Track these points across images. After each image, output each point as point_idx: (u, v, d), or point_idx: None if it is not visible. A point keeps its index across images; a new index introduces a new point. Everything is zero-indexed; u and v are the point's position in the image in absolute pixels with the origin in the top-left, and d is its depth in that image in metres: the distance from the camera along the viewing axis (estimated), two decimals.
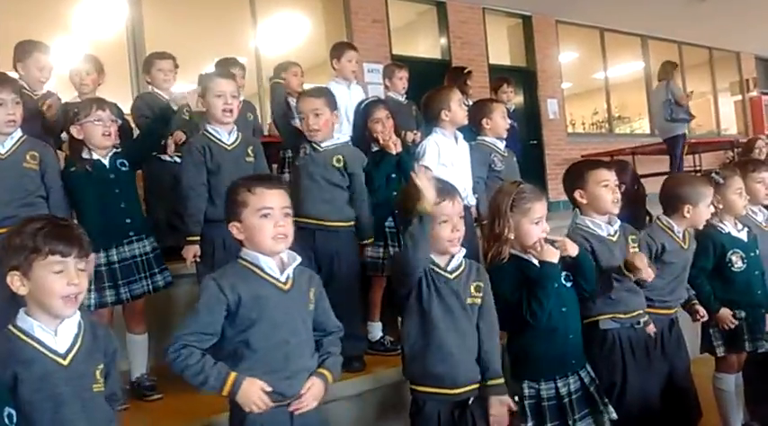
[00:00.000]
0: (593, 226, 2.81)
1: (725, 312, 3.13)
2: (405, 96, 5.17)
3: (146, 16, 6.83)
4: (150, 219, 3.67)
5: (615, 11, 10.19)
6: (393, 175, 3.46)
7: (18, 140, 2.92)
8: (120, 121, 3.12)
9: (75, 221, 2.63)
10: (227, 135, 3.16)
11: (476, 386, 2.40)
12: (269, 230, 2.06)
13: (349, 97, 4.60)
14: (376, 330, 3.51)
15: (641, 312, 2.85)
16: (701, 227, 3.08)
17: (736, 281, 3.16)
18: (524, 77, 10.12)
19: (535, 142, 9.98)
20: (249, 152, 3.20)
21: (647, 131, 12.15)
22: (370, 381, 3.07)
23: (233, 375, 1.96)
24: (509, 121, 4.12)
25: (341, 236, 3.23)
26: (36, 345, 1.75)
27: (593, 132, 11.92)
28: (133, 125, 4.47)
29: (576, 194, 2.84)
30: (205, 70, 4.05)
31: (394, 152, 3.40)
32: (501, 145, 3.96)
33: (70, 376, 1.76)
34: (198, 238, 3.04)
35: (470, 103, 4.52)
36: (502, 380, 2.42)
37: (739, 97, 13.70)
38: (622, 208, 2.91)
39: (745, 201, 3.22)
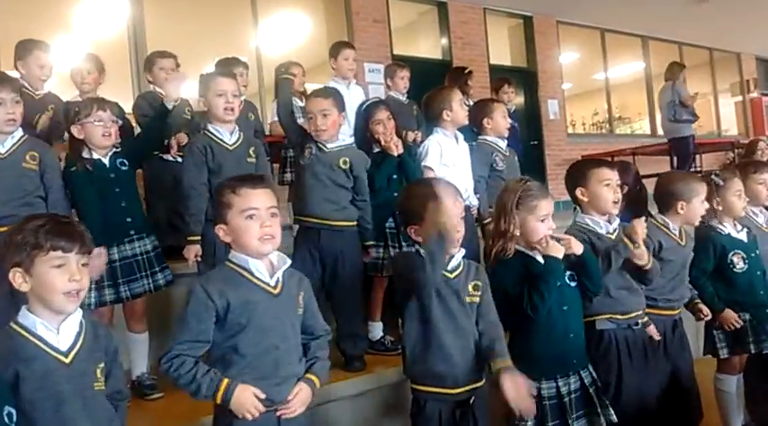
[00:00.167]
0: (592, 224, 2.82)
1: (729, 312, 3.13)
2: (406, 96, 5.18)
3: (147, 15, 6.83)
4: (151, 219, 3.67)
5: (616, 11, 10.20)
6: (394, 176, 3.47)
7: (19, 140, 2.92)
8: (120, 121, 3.10)
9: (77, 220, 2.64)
10: (228, 135, 3.16)
11: (477, 385, 2.40)
12: (255, 231, 2.02)
13: (348, 96, 4.58)
14: (377, 330, 3.51)
15: (639, 313, 2.85)
16: (696, 224, 3.09)
17: (738, 282, 3.17)
18: (525, 78, 10.12)
19: (536, 142, 9.98)
20: (251, 153, 3.20)
21: (648, 132, 12.17)
22: (370, 381, 3.07)
23: (225, 382, 1.95)
24: (510, 121, 4.12)
25: (345, 236, 3.24)
26: (38, 343, 1.75)
27: (594, 133, 11.92)
28: (134, 124, 4.49)
29: (578, 192, 2.84)
30: (206, 70, 4.05)
31: (395, 153, 3.41)
32: (503, 144, 3.96)
33: (72, 374, 1.77)
34: (199, 238, 3.04)
35: (471, 104, 4.52)
36: (509, 361, 2.36)
37: (740, 98, 13.69)
38: (624, 208, 2.92)
39: (744, 203, 3.23)
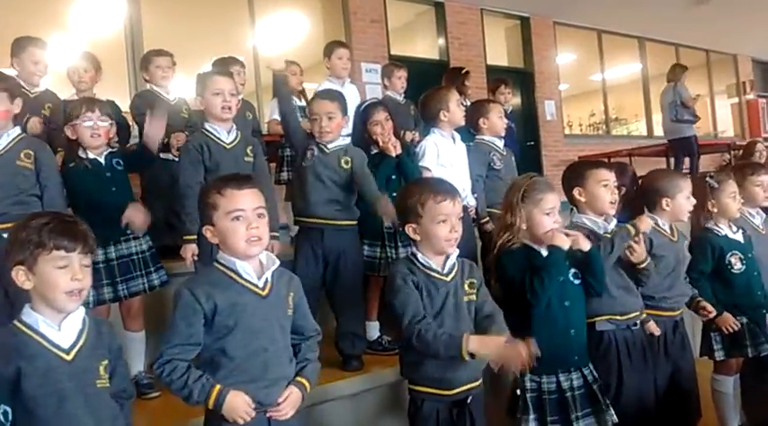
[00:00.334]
0: (590, 223, 2.83)
1: (727, 315, 3.13)
2: (403, 96, 5.18)
3: (144, 14, 6.82)
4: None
5: (613, 13, 10.21)
6: (393, 177, 3.46)
7: (14, 138, 2.90)
8: (110, 121, 3.07)
9: None
10: (226, 133, 3.15)
11: (474, 384, 2.41)
12: (241, 233, 2.00)
13: None
14: (373, 329, 3.51)
15: (638, 313, 2.86)
16: (684, 219, 3.10)
17: (736, 283, 3.18)
18: (522, 78, 10.13)
19: (532, 143, 9.99)
20: (248, 152, 3.20)
21: (644, 133, 12.20)
22: (368, 380, 3.07)
23: (217, 388, 1.93)
24: (506, 122, 4.13)
25: (347, 235, 3.25)
26: (40, 340, 1.75)
27: (590, 133, 11.93)
28: (132, 123, 4.49)
29: (575, 192, 2.85)
30: (203, 69, 4.05)
31: (393, 154, 3.41)
32: (500, 144, 3.96)
33: (74, 371, 1.77)
34: (195, 237, 3.02)
35: (468, 104, 4.52)
36: (506, 335, 2.32)
37: (736, 100, 13.72)
38: (622, 209, 2.93)
39: (738, 204, 3.24)
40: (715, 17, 10.47)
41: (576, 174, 2.89)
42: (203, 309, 1.95)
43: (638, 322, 2.85)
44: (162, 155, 4.18)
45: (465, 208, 3.21)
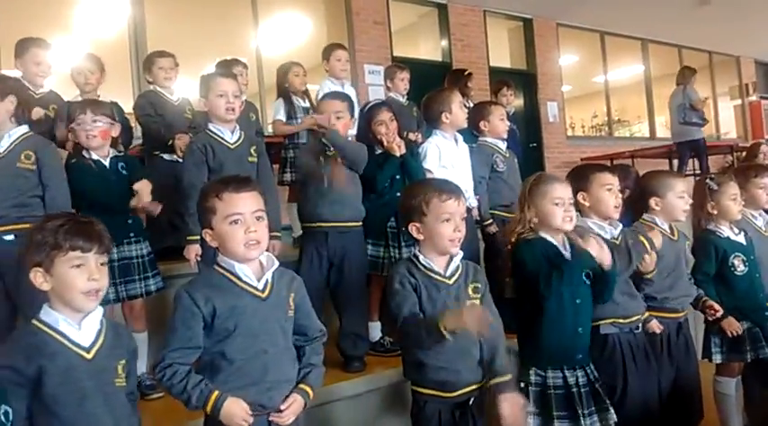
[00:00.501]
0: (596, 228, 2.83)
1: (732, 319, 3.12)
2: (406, 97, 5.19)
3: (148, 15, 6.84)
4: (152, 219, 3.66)
5: (616, 14, 10.21)
6: (397, 177, 3.46)
7: (17, 139, 2.88)
8: (109, 122, 3.07)
9: None
10: (229, 133, 3.15)
11: (476, 386, 2.40)
12: (240, 237, 1.99)
13: None
14: (375, 330, 3.50)
15: (640, 316, 2.88)
16: (680, 219, 3.10)
17: (739, 285, 3.18)
18: (525, 80, 10.13)
19: (535, 145, 9.99)
20: (252, 152, 3.20)
21: (647, 135, 12.19)
22: (370, 381, 3.07)
23: (215, 394, 1.93)
24: (509, 124, 4.12)
25: (352, 236, 3.25)
26: (61, 338, 1.77)
27: (593, 135, 11.93)
28: (134, 124, 4.50)
29: (579, 196, 2.85)
30: (206, 70, 4.06)
31: (398, 154, 3.41)
32: (503, 145, 3.95)
33: (94, 370, 1.79)
34: (199, 237, 3.02)
35: (471, 106, 4.52)
36: (509, 376, 2.40)
37: (739, 101, 13.71)
38: (625, 212, 2.94)
39: (739, 207, 3.23)
40: (718, 19, 10.46)
41: (579, 178, 2.89)
42: (202, 313, 1.96)
43: (640, 325, 2.86)
44: (166, 157, 4.21)
45: (468, 210, 3.22)
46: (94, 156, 3.02)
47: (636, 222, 3.12)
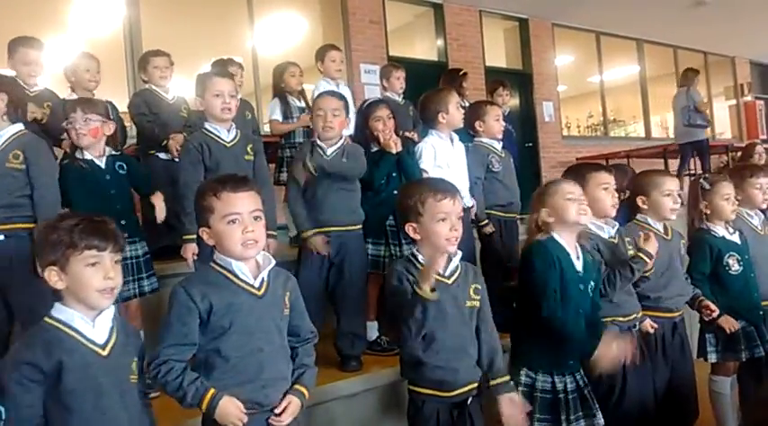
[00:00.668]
0: (595, 228, 2.84)
1: (728, 317, 3.13)
2: (402, 96, 5.19)
3: (143, 15, 6.81)
4: (148, 218, 3.66)
5: (611, 15, 10.22)
6: (393, 174, 3.47)
7: (9, 138, 2.84)
8: (101, 120, 3.05)
9: None
10: (226, 132, 3.15)
11: (474, 385, 2.41)
12: (237, 237, 1.99)
13: None
14: (372, 330, 3.50)
15: (637, 315, 2.90)
16: (669, 217, 3.09)
17: (734, 284, 3.19)
18: (520, 80, 10.13)
19: (530, 145, 10.00)
20: (248, 150, 3.20)
21: (642, 135, 12.22)
22: (367, 381, 3.06)
23: (210, 392, 1.93)
24: (504, 124, 4.12)
25: (352, 237, 3.24)
26: (76, 336, 1.78)
27: (588, 135, 11.93)
28: (129, 123, 4.48)
29: None
30: (202, 69, 4.05)
31: (394, 151, 3.41)
32: (498, 146, 3.95)
33: (109, 367, 1.81)
34: (195, 236, 3.01)
35: (466, 105, 4.52)
36: (508, 377, 2.43)
37: (734, 102, 13.74)
38: (622, 212, 2.95)
39: (733, 206, 3.24)
40: (713, 19, 10.49)
41: (575, 177, 2.88)
42: (198, 309, 1.95)
43: (637, 323, 2.87)
44: (161, 156, 4.20)
45: (464, 210, 3.22)
46: (87, 156, 3.00)
47: (629, 222, 3.12)
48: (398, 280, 2.35)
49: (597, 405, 2.63)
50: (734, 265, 3.18)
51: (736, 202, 3.27)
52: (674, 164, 8.97)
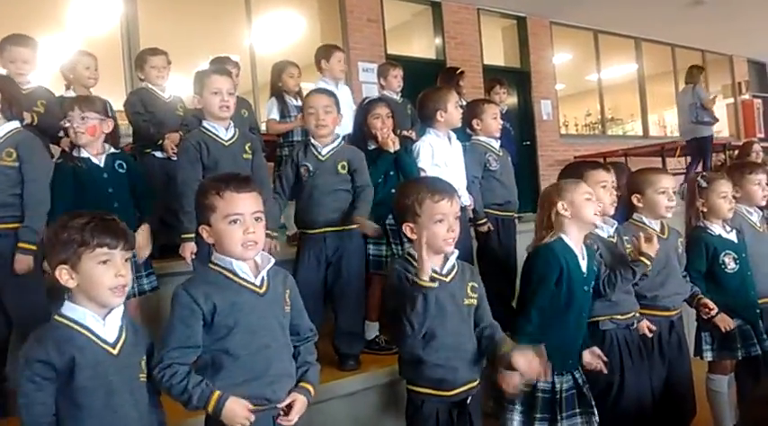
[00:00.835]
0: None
1: (724, 315, 3.13)
2: (400, 95, 5.19)
3: (140, 13, 6.80)
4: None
5: (609, 13, 10.22)
6: (391, 173, 3.47)
7: (3, 136, 2.84)
8: (99, 117, 3.03)
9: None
10: (224, 130, 3.15)
11: (473, 384, 2.41)
12: (238, 237, 1.99)
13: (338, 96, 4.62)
14: (372, 330, 3.50)
15: (635, 313, 2.90)
16: (665, 215, 3.09)
17: (730, 283, 3.19)
18: (518, 78, 10.13)
19: (528, 143, 10.00)
20: (247, 149, 3.19)
21: (640, 133, 12.22)
22: (365, 380, 3.07)
23: (216, 394, 1.92)
24: (502, 123, 4.11)
25: (349, 237, 3.22)
26: (87, 333, 1.79)
27: (586, 133, 11.95)
28: (123, 121, 4.47)
29: None
30: (200, 67, 4.04)
31: (392, 150, 3.41)
32: (496, 144, 3.95)
33: (120, 365, 1.82)
34: (194, 235, 3.01)
35: (464, 104, 4.52)
36: (512, 345, 2.38)
37: (731, 100, 13.75)
38: (620, 211, 2.96)
39: (730, 205, 3.24)
40: (711, 18, 10.49)
41: (573, 176, 2.90)
42: (202, 310, 1.95)
43: (635, 321, 2.88)
44: (158, 154, 4.20)
45: (462, 208, 3.22)
46: (84, 154, 2.99)
47: (625, 222, 3.12)
48: (398, 279, 2.35)
49: (594, 403, 2.64)
50: (730, 263, 3.18)
51: (734, 200, 3.27)
52: (671, 162, 8.99)
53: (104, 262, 1.79)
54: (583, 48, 11.40)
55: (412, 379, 2.44)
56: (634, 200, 3.08)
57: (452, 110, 3.65)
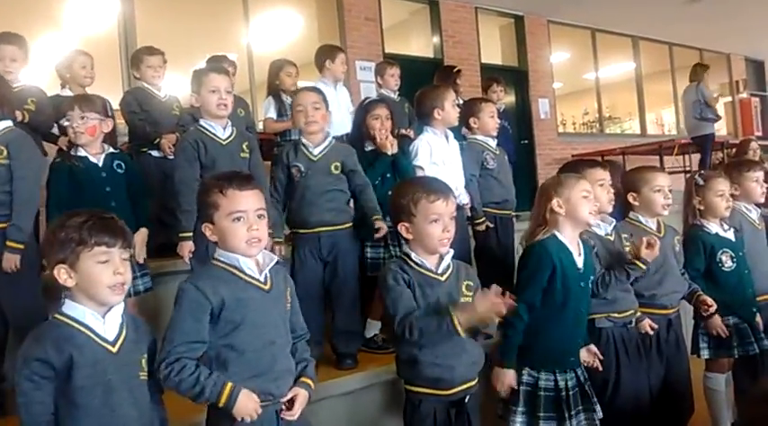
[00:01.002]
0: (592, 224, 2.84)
1: (716, 319, 3.14)
2: (397, 93, 5.19)
3: (137, 12, 6.79)
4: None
5: (607, 12, 10.22)
6: (388, 175, 3.46)
7: None
8: (98, 117, 3.03)
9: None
10: (221, 129, 3.14)
11: (471, 384, 2.41)
12: (242, 234, 2.00)
13: (336, 97, 4.64)
14: (373, 329, 3.50)
15: (633, 311, 2.90)
16: (661, 213, 3.09)
17: (727, 281, 3.19)
18: (516, 77, 10.13)
19: (526, 142, 10.00)
20: (244, 147, 3.19)
21: (638, 131, 12.22)
22: (362, 379, 3.06)
23: (229, 386, 1.92)
24: (500, 122, 4.11)
25: (343, 236, 3.22)
26: (87, 331, 1.79)
27: (584, 132, 11.96)
28: (122, 121, 4.46)
29: None
30: (197, 66, 4.03)
31: (390, 152, 3.40)
32: (493, 143, 3.95)
33: (119, 363, 1.82)
34: (191, 234, 3.01)
35: (461, 103, 4.52)
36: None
37: (729, 99, 13.75)
38: (617, 209, 2.96)
39: (727, 203, 3.24)
40: (708, 16, 10.50)
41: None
42: (211, 304, 1.95)
43: (633, 320, 2.88)
44: (154, 153, 4.19)
45: (459, 207, 3.22)
46: (81, 153, 2.99)
47: (622, 221, 3.12)
48: (394, 280, 2.33)
49: (596, 399, 2.65)
50: (727, 262, 3.18)
51: (731, 199, 3.28)
52: (669, 160, 9.00)
53: (103, 261, 1.79)
54: (580, 46, 11.39)
55: (409, 379, 2.43)
56: (630, 199, 3.08)
57: (450, 109, 3.65)
